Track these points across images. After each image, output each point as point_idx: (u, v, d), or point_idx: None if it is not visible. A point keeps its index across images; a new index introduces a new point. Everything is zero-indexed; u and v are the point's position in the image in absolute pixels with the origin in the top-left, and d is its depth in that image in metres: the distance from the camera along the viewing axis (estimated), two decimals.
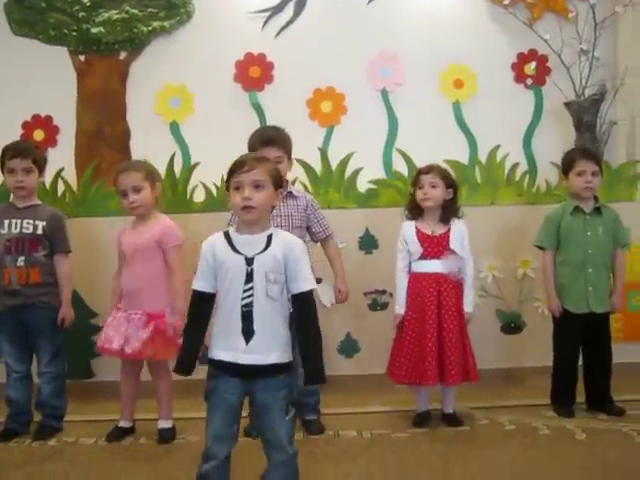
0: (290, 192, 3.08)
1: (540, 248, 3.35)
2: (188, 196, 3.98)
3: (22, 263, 3.08)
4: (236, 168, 2.09)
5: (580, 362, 3.32)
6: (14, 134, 4.03)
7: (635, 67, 4.24)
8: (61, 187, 4.00)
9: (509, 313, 3.91)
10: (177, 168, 4.05)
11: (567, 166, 3.31)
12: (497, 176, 4.09)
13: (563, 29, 4.28)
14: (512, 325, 3.92)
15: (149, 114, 4.37)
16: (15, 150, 3.13)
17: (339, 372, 3.64)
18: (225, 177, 2.15)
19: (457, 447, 2.90)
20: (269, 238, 2.09)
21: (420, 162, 3.45)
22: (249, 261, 2.05)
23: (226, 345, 2.06)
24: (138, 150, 4.19)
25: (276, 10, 4.44)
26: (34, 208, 3.16)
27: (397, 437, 3.03)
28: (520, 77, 4.49)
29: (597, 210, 3.27)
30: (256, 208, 2.06)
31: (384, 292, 3.81)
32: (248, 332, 2.04)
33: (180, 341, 2.87)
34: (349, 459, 2.79)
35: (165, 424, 3.07)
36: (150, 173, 3.07)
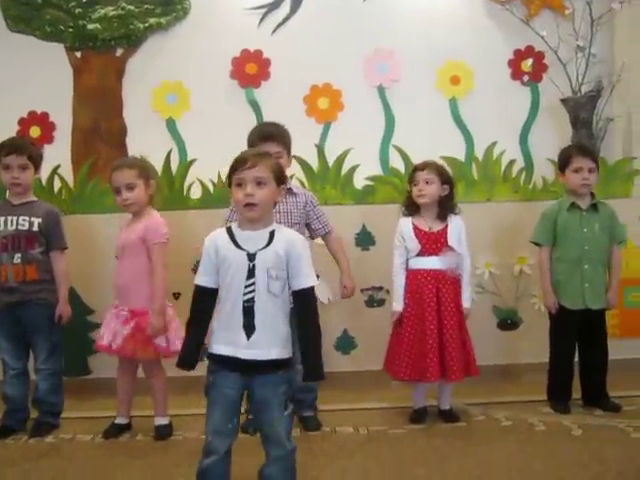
0: (290, 189, 3.08)
1: (536, 244, 3.36)
2: (185, 193, 3.97)
3: (18, 260, 3.07)
4: (238, 164, 2.09)
5: (576, 358, 3.33)
6: (10, 131, 4.02)
7: (631, 63, 4.25)
8: (57, 184, 3.99)
9: (505, 309, 3.92)
10: (174, 165, 4.04)
11: (564, 163, 3.31)
12: (493, 172, 4.09)
13: (560, 26, 4.29)
14: (508, 321, 3.92)
15: (145, 110, 4.36)
16: (11, 147, 3.12)
17: (336, 368, 3.65)
18: (226, 173, 2.15)
19: (454, 443, 2.90)
20: (271, 234, 2.10)
21: (417, 159, 3.46)
22: (251, 257, 2.06)
23: (227, 340, 2.07)
24: (134, 147, 4.17)
25: (272, 7, 4.44)
26: (30, 205, 3.15)
27: (394, 433, 3.04)
28: (517, 74, 4.50)
29: (593, 206, 3.28)
30: (258, 205, 2.07)
31: (381, 289, 3.81)
32: (249, 327, 2.04)
33: (156, 340, 2.91)
34: (346, 455, 2.80)
35: (161, 421, 3.07)
36: (144, 170, 3.05)
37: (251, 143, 3.02)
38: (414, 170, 3.20)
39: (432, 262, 3.11)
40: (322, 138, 4.37)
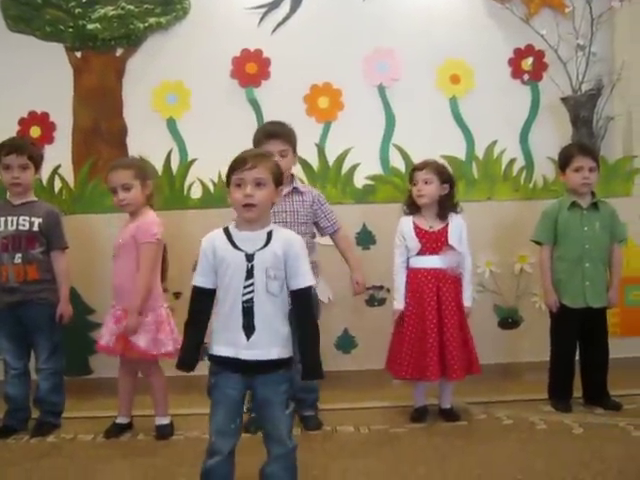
0: (296, 188, 3.08)
1: (537, 243, 3.36)
2: (185, 192, 3.98)
3: (19, 260, 3.07)
4: (237, 165, 2.09)
5: (577, 357, 3.33)
6: (10, 131, 4.01)
7: (632, 62, 4.25)
8: (58, 184, 3.99)
9: (506, 308, 3.92)
10: (174, 164, 4.04)
11: (564, 162, 3.31)
12: (494, 171, 4.09)
13: (560, 24, 4.29)
14: (509, 320, 3.92)
15: (146, 110, 4.36)
16: (11, 146, 3.12)
17: (337, 368, 3.65)
18: (225, 173, 2.15)
19: (455, 442, 2.90)
20: (269, 235, 2.10)
21: (417, 158, 3.46)
22: (249, 257, 2.06)
23: (227, 341, 2.07)
24: (135, 147, 4.18)
25: (272, 6, 4.44)
26: (30, 205, 3.16)
27: (395, 432, 3.04)
28: (517, 72, 4.50)
29: (594, 205, 3.28)
30: (257, 206, 2.07)
31: (381, 288, 3.81)
32: (249, 328, 2.05)
33: (133, 339, 2.91)
34: (347, 454, 2.80)
35: (162, 420, 3.07)
36: (141, 171, 3.04)
37: (257, 141, 3.02)
38: (413, 170, 3.20)
39: (432, 261, 3.11)
40: (322, 137, 4.37)
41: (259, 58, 4.40)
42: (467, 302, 3.15)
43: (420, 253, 3.13)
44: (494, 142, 4.15)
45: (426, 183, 3.11)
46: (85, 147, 4.34)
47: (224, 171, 2.16)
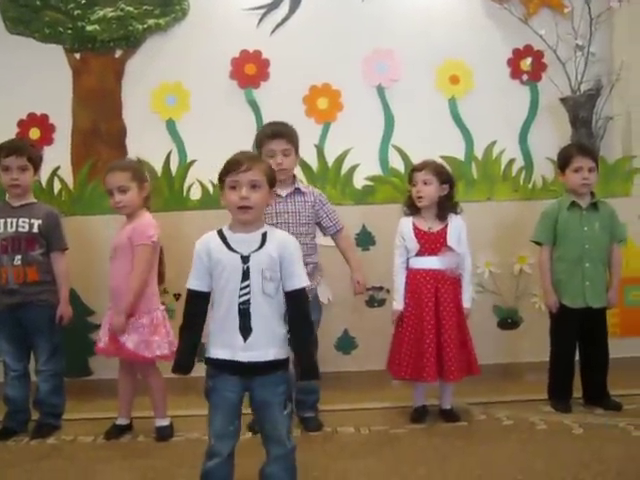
0: (298, 188, 3.08)
1: (537, 243, 3.36)
2: (184, 194, 3.98)
3: (19, 262, 3.07)
4: (232, 167, 2.09)
5: (577, 357, 3.33)
6: (9, 132, 4.03)
7: (631, 62, 4.25)
8: (57, 185, 4.00)
9: (506, 309, 3.93)
10: (173, 166, 4.05)
11: (564, 162, 3.31)
12: (493, 172, 4.10)
13: (559, 25, 4.29)
14: (509, 321, 3.93)
15: (145, 112, 4.36)
16: (10, 148, 3.12)
17: (337, 368, 3.65)
18: (217, 176, 2.15)
19: (455, 443, 2.90)
20: (264, 236, 2.10)
21: (416, 158, 3.46)
22: (245, 259, 2.06)
23: (224, 343, 2.07)
24: (134, 148, 4.18)
25: (271, 7, 4.44)
26: (29, 206, 3.15)
27: (395, 433, 3.03)
28: (516, 73, 4.50)
29: (593, 205, 3.28)
30: (253, 208, 2.07)
31: (381, 289, 3.81)
32: (246, 329, 2.05)
33: (122, 340, 2.91)
34: (347, 455, 2.80)
35: (162, 422, 3.06)
36: (138, 173, 3.04)
37: (260, 141, 3.03)
38: (412, 170, 3.20)
39: (431, 262, 3.11)
40: (321, 138, 4.38)
41: (258, 59, 4.40)
42: (467, 303, 3.15)
43: (419, 254, 3.12)
44: (493, 142, 4.15)
45: (425, 184, 3.11)
46: (84, 148, 4.34)
47: None
